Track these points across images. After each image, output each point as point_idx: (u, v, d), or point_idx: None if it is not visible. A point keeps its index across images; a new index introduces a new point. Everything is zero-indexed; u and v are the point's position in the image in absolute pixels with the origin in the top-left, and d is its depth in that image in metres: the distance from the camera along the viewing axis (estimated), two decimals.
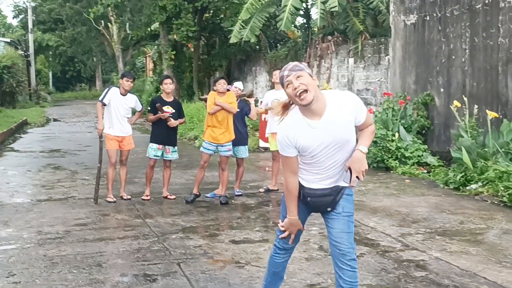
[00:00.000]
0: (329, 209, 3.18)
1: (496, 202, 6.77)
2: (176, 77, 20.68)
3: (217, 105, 6.94)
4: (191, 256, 4.86)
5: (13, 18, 46.99)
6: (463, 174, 7.62)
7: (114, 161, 7.27)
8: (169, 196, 7.38)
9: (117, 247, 5.15)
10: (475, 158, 7.62)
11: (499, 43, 8.91)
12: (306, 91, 2.96)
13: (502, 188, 6.72)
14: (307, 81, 2.98)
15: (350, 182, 3.07)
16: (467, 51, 9.62)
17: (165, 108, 7.21)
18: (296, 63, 3.07)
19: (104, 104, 7.15)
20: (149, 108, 7.48)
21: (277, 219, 6.27)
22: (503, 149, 7.44)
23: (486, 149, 7.67)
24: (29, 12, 35.69)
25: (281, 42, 20.52)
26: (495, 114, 7.85)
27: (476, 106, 8.39)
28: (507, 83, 8.74)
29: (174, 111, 7.27)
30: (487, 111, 8.01)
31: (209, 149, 7.15)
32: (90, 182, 8.62)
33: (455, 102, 8.42)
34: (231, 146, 7.22)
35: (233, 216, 6.46)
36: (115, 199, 7.20)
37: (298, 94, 2.97)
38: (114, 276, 4.37)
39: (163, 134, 7.26)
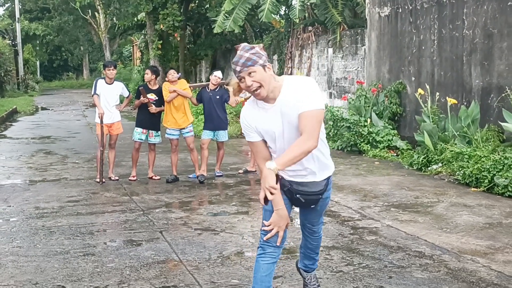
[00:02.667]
0: (312, 206, 3.22)
1: (451, 180, 7.47)
2: (162, 66, 21.10)
3: (173, 92, 7.65)
4: (172, 226, 5.50)
5: None
6: (425, 156, 8.31)
7: (104, 144, 7.88)
8: (154, 177, 8.00)
9: (107, 219, 5.78)
10: (436, 141, 8.31)
11: (464, 34, 9.53)
12: (260, 86, 2.90)
13: (457, 168, 7.40)
14: (260, 77, 2.88)
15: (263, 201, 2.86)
16: (435, 42, 10.23)
17: (149, 95, 7.82)
18: (248, 54, 2.89)
19: (98, 95, 7.77)
20: (135, 94, 8.14)
21: (253, 195, 6.97)
22: (458, 132, 8.13)
23: (446, 133, 8.35)
24: (16, 0, 35.75)
25: (266, 32, 21.02)
26: (454, 101, 8.52)
27: (437, 93, 9.05)
28: (471, 72, 9.38)
29: (157, 98, 7.88)
30: (447, 98, 8.67)
31: (174, 135, 7.91)
32: (80, 165, 9.24)
33: (419, 90, 9.08)
34: (192, 127, 7.99)
35: (213, 193, 7.10)
36: (104, 180, 7.79)
37: (252, 91, 2.92)
38: (104, 241, 5.00)
39: (147, 119, 7.90)
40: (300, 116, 2.88)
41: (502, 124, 7.33)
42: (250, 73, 2.87)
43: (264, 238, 3.07)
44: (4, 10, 45.06)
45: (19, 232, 5.30)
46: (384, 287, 3.88)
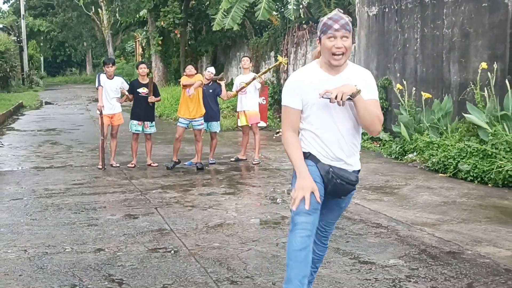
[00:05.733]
0: (343, 197, 3.13)
1: (423, 167, 8.18)
2: (163, 62, 21.79)
3: (186, 84, 8.38)
4: (166, 203, 6.24)
5: (3, 3, 47.68)
6: (401, 145, 9.02)
7: (106, 134, 8.63)
8: (152, 164, 8.73)
9: (108, 198, 6.52)
10: (412, 133, 9.01)
11: (443, 33, 10.18)
12: (344, 54, 2.92)
13: (428, 156, 8.11)
14: (348, 45, 2.91)
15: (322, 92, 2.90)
16: (418, 40, 10.88)
17: (140, 89, 8.61)
18: (347, 20, 2.92)
19: (102, 86, 8.47)
20: (128, 89, 8.90)
21: (241, 179, 7.69)
22: (429, 124, 8.83)
23: (421, 125, 9.05)
24: None
25: (266, 29, 21.64)
26: (429, 95, 9.20)
27: (414, 88, 9.74)
28: (450, 68, 10.05)
29: (147, 91, 8.62)
30: (422, 92, 9.36)
31: (183, 123, 8.55)
32: (84, 154, 9.99)
33: (398, 85, 9.77)
34: (203, 120, 8.58)
35: (205, 177, 7.85)
36: (105, 167, 8.52)
37: (335, 53, 2.91)
38: (106, 215, 5.75)
39: (141, 111, 8.67)
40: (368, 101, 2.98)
41: (466, 115, 8.01)
42: (344, 36, 2.90)
43: (293, 207, 2.90)
44: (9, 7, 45.88)
45: (32, 208, 6.05)
46: (341, 248, 4.60)
